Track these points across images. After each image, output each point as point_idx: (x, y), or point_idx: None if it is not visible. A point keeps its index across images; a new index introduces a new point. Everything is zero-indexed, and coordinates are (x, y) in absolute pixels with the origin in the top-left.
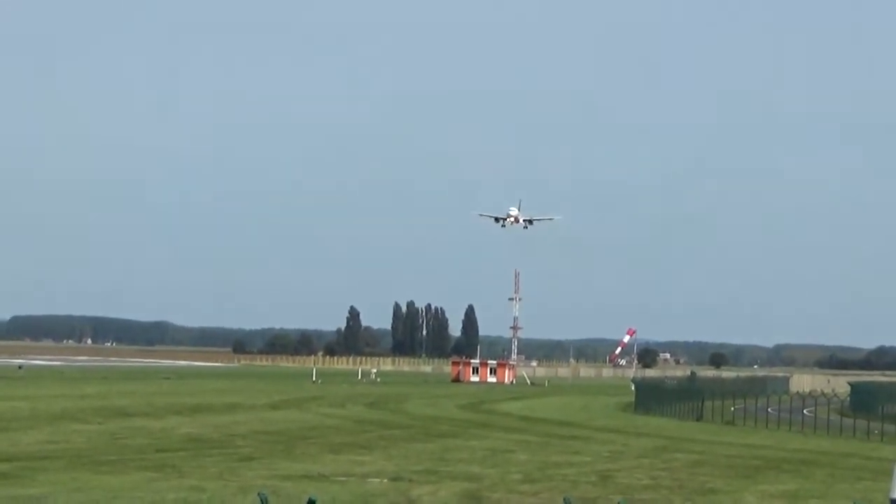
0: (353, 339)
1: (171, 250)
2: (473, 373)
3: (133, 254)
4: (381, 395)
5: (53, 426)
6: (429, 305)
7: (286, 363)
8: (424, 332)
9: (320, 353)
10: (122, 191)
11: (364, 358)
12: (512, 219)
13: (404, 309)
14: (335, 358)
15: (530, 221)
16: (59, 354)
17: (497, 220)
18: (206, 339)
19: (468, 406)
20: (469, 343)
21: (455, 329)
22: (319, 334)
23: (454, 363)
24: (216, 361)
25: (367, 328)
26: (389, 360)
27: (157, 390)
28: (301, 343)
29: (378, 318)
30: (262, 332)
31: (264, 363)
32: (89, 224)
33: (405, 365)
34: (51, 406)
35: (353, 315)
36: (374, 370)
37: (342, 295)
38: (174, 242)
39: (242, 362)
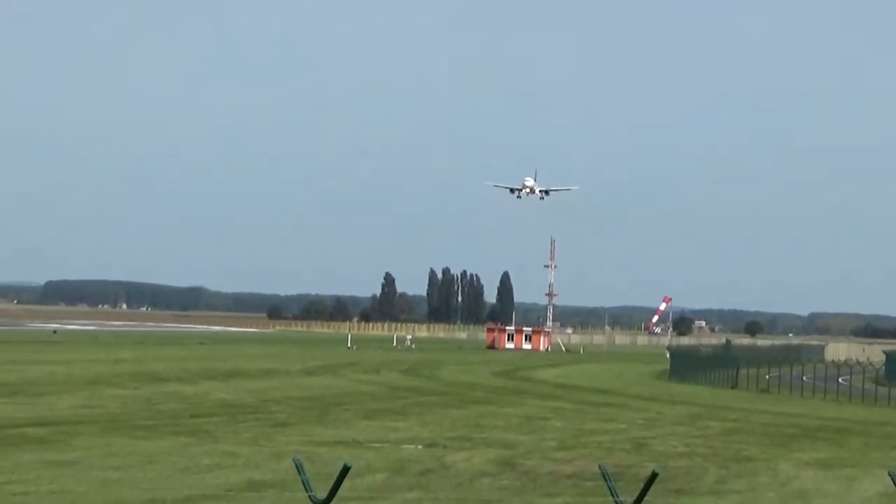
0: (388, 305)
1: (206, 216)
2: (508, 340)
3: (168, 219)
4: (416, 361)
5: (88, 391)
6: (464, 272)
7: (321, 329)
8: (460, 299)
9: (355, 319)
10: (158, 157)
11: (399, 324)
12: (527, 189)
13: (440, 275)
14: (370, 324)
15: (546, 192)
16: (94, 319)
17: (512, 190)
18: (241, 305)
19: (503, 373)
20: (504, 310)
21: (490, 296)
22: (355, 300)
23: (489, 330)
24: (251, 327)
25: (403, 294)
26: (425, 326)
27: (192, 355)
28: (336, 309)
29: (413, 285)
30: (298, 298)
31: (299, 329)
32: (124, 189)
33: (440, 331)
34: (86, 371)
35: (389, 281)
36: (410, 336)
37: (377, 261)
38: (209, 208)
39: (277, 328)
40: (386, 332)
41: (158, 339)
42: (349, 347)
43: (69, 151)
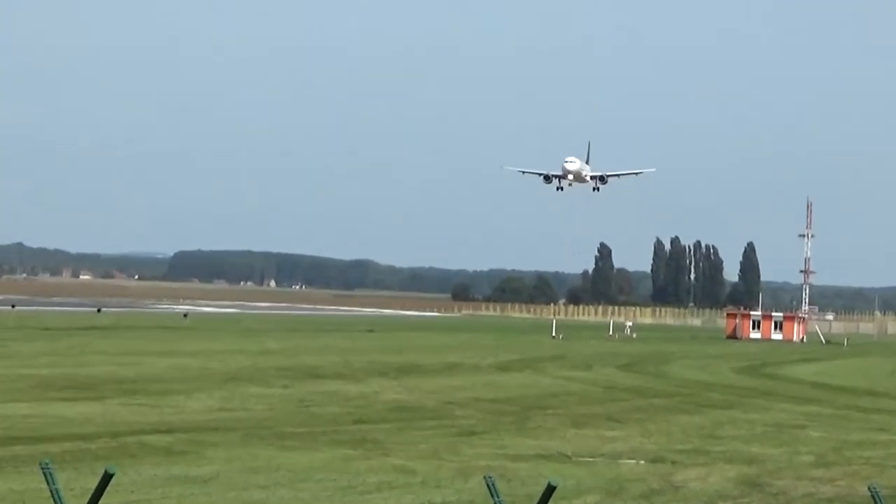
0: (602, 283)
1: (376, 178)
2: (754, 327)
3: (330, 181)
4: (637, 354)
5: (226, 390)
6: (698, 243)
7: (518, 314)
8: (692, 276)
9: (562, 302)
10: (316, 104)
11: (616, 308)
12: (570, 177)
13: (667, 247)
14: (580, 307)
15: (602, 179)
16: (234, 300)
17: (547, 178)
18: (419, 283)
19: (747, 369)
20: (748, 290)
21: (731, 273)
22: (561, 278)
23: (730, 315)
24: (431, 310)
25: (621, 270)
26: (648, 310)
27: (357, 346)
28: (538, 289)
29: (634, 259)
30: (489, 275)
31: (491, 313)
32: (271, 143)
33: (668, 317)
34: (224, 364)
35: (604, 254)
36: (629, 323)
37: (590, 230)
38: (380, 170)
39: (464, 311)
40: (600, 318)
41: (315, 324)
42: (553, 337)
43: (228, 114)
